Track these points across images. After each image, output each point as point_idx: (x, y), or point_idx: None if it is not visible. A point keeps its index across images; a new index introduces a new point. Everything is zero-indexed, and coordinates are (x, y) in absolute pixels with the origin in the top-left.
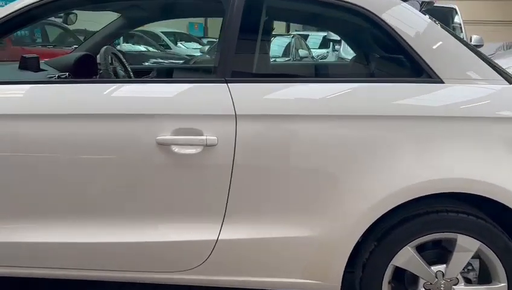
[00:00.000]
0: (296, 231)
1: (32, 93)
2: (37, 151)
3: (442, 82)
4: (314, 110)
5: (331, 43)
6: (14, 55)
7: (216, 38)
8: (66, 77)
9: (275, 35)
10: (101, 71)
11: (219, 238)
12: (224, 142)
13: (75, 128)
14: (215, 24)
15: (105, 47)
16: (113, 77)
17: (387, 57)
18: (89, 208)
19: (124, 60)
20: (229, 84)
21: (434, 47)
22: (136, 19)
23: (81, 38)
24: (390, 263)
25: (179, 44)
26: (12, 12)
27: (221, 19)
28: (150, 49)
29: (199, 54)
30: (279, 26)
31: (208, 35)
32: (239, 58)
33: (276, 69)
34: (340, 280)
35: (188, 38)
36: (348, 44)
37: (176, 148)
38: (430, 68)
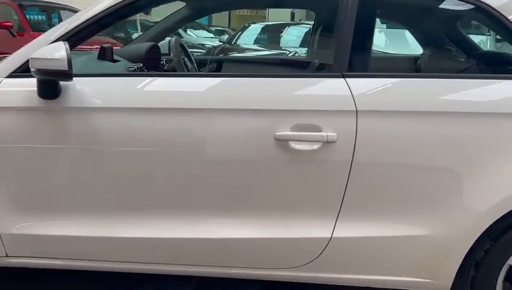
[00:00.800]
0: (413, 230)
1: (138, 86)
2: (151, 145)
3: None
4: (439, 106)
5: None
6: None
7: (221, 26)
8: (141, 68)
9: (288, 25)
10: (164, 62)
11: (333, 235)
12: (344, 138)
13: (194, 122)
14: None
15: (174, 38)
16: (185, 69)
17: (503, 53)
18: (204, 204)
19: (189, 52)
20: (346, 78)
21: None
22: (204, 8)
23: None
24: (507, 263)
25: (188, 32)
26: (103, 11)
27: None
28: None
29: (211, 42)
30: (282, 14)
31: (212, 23)
32: (355, 53)
33: (384, 63)
34: (453, 279)
35: (197, 26)
36: (452, 39)
37: (294, 144)
38: None
